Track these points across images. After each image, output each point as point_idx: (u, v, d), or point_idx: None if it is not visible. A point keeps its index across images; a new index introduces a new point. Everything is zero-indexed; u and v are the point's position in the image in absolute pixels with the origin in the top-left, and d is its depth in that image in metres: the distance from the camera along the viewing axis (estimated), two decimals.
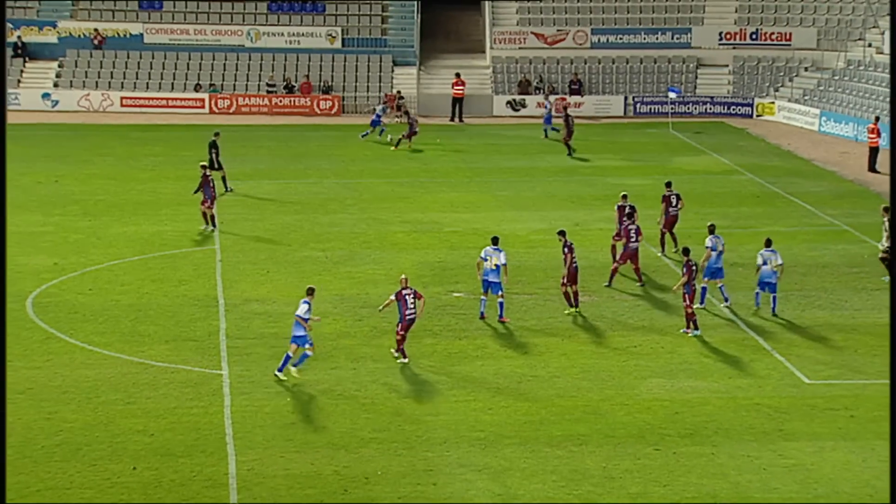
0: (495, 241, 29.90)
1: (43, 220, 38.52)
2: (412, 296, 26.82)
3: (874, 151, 48.42)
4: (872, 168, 48.01)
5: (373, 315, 30.03)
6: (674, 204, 35.64)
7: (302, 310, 25.86)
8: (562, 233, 30.78)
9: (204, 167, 38.61)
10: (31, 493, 20.68)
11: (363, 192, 43.77)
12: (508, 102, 61.74)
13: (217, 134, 44.06)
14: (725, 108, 61.36)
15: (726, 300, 30.66)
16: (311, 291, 26.32)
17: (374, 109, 55.19)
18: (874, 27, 61.60)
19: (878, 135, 48.85)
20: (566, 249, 30.10)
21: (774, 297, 30.22)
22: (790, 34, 63.18)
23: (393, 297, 27.02)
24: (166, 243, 36.63)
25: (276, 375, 25.74)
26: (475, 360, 27.09)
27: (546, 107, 55.82)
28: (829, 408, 24.65)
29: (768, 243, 30.46)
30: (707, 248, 30.77)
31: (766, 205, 42.31)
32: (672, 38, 64.06)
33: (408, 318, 26.79)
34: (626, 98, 62.14)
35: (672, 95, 58.84)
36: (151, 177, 45.91)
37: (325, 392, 25.28)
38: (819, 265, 34.57)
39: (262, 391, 25.26)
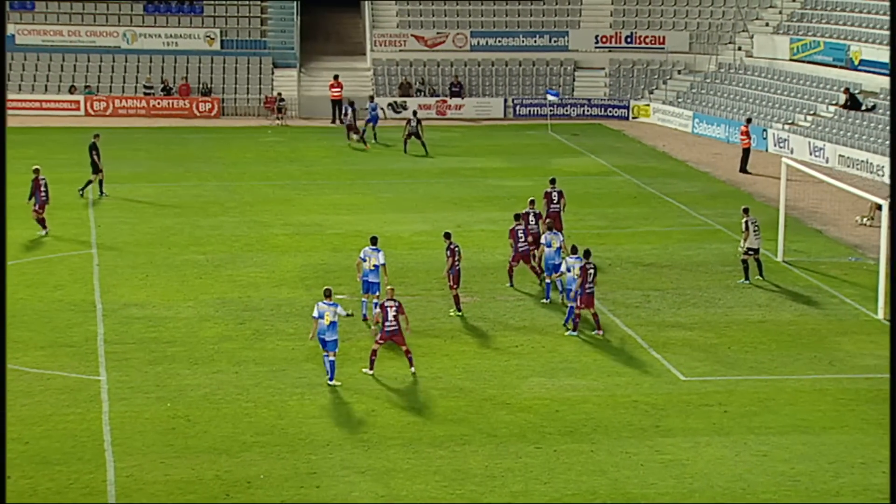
0: (374, 241, 29.81)
1: None
2: (395, 308, 26.22)
3: (746, 153, 49.43)
4: (744, 169, 49.02)
5: (255, 318, 29.83)
6: (555, 201, 35.91)
7: (339, 312, 25.62)
8: (447, 235, 30.84)
9: (36, 171, 37.76)
10: None
11: (244, 195, 43.41)
12: (390, 104, 61.72)
13: (97, 136, 43.33)
14: (602, 110, 62.14)
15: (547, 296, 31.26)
16: (329, 293, 26.06)
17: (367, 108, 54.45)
18: (744, 31, 62.97)
19: (749, 136, 49.90)
20: (449, 252, 30.16)
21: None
22: (664, 38, 64.23)
23: (377, 309, 26.60)
24: (41, 248, 35.91)
25: (330, 384, 25.39)
26: (358, 361, 27.02)
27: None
28: (703, 404, 25.09)
29: (574, 250, 29.69)
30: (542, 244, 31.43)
31: (642, 205, 42.95)
32: (550, 41, 64.70)
33: (387, 329, 26.22)
34: (505, 100, 62.58)
35: (551, 98, 59.43)
36: (25, 180, 44.85)
37: (206, 396, 25.02)
38: (693, 264, 35.19)
39: (141, 397, 24.91)
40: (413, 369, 26.29)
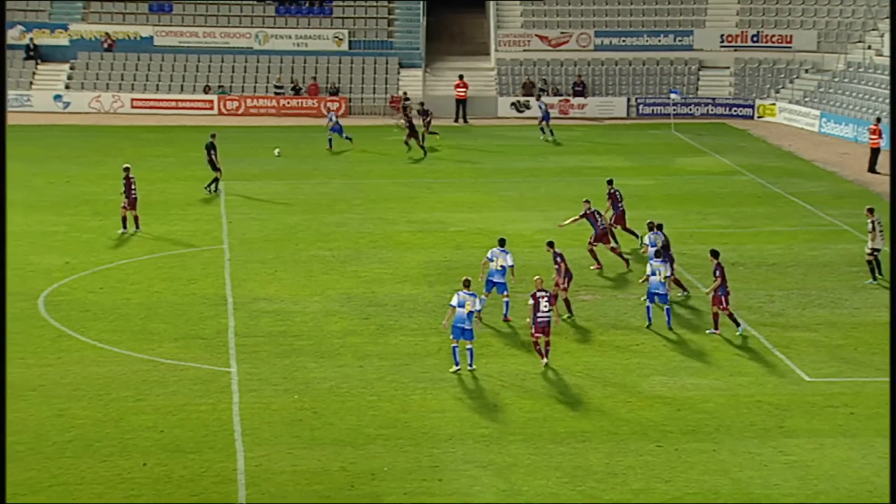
0: (502, 242, 29.86)
1: (55, 219, 38.58)
2: (545, 299, 26.42)
3: (875, 152, 48.36)
4: (872, 169, 47.95)
5: (379, 314, 30.07)
6: (619, 200, 35.59)
7: (477, 304, 25.89)
8: (550, 244, 30.59)
9: (126, 169, 37.93)
10: (43, 489, 20.71)
11: (369, 193, 43.78)
12: (513, 104, 61.73)
13: (213, 135, 43.98)
14: (727, 109, 61.31)
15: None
16: (468, 283, 26.40)
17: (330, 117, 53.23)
18: (874, 30, 61.52)
19: (880, 136, 48.79)
20: (558, 259, 29.88)
21: (668, 310, 29.32)
22: (791, 36, 63.12)
23: (531, 301, 26.64)
24: (176, 243, 36.68)
25: (470, 370, 25.75)
26: (480, 358, 27.07)
27: (541, 107, 55.12)
28: (828, 405, 24.63)
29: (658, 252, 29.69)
30: (645, 244, 30.84)
31: (767, 205, 42.28)
32: (674, 41, 64.04)
33: (539, 322, 26.41)
34: (628, 100, 62.10)
35: (674, 97, 58.83)
36: (161, 177, 45.96)
37: (331, 389, 25.31)
38: (819, 264, 34.53)
39: (269, 388, 25.29)
40: (546, 360, 26.27)
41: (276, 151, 47.43)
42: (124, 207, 37.35)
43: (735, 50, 63.56)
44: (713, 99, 61.74)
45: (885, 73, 57.92)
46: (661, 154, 51.77)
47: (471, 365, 26.01)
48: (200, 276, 33.26)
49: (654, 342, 28.24)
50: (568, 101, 61.82)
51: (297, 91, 62.04)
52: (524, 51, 64.22)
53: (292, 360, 26.87)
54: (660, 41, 64.06)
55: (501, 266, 29.31)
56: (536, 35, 64.45)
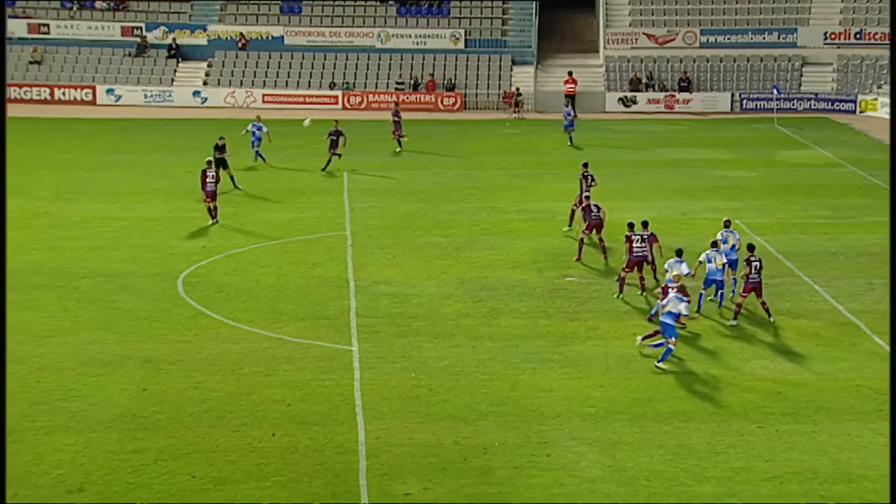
0: (679, 253, 28.32)
1: (192, 206, 39.29)
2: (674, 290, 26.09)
3: None
4: None
5: (491, 297, 30.07)
6: (588, 184, 35.54)
7: (682, 307, 25.47)
8: (633, 225, 30.10)
9: (208, 162, 37.48)
10: (182, 455, 21.14)
11: (482, 183, 43.77)
12: (620, 99, 61.23)
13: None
14: (829, 104, 60.03)
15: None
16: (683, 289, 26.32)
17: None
18: None
19: None
20: (647, 238, 29.57)
21: (721, 294, 28.77)
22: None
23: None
24: (302, 229, 37.10)
25: (657, 367, 25.30)
26: (586, 340, 26.93)
27: (569, 113, 51.65)
28: None
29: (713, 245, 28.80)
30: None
31: (868, 196, 41.28)
32: (778, 38, 62.85)
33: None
34: (732, 95, 61.16)
35: (777, 93, 57.83)
36: (290, 167, 46.52)
37: (446, 368, 25.39)
38: None
39: (388, 366, 25.46)
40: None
41: (306, 121, 46.40)
42: (205, 200, 37.12)
43: (838, 47, 62.16)
44: (816, 94, 60.49)
45: None
46: (763, 147, 50.88)
47: (660, 362, 25.44)
48: (325, 260, 33.60)
49: (754, 327, 27.78)
50: (673, 96, 61.11)
51: (415, 87, 62.28)
52: (632, 48, 63.60)
53: (409, 340, 27.01)
54: (764, 38, 62.92)
55: (721, 265, 28.40)
56: (644, 33, 63.78)
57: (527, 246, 34.85)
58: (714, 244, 28.94)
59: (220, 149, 41.43)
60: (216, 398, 23.67)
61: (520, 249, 34.48)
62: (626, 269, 29.67)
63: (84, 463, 20.79)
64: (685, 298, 25.85)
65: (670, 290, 25.90)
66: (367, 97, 61.65)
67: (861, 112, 59.14)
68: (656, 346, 25.71)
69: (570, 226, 35.23)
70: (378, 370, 25.23)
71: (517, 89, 60.45)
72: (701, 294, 28.74)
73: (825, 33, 62.45)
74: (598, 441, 21.74)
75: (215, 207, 37.30)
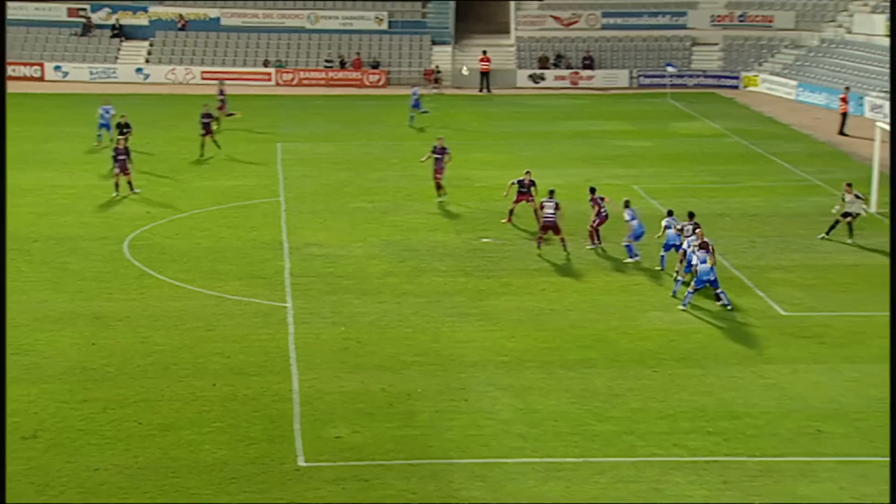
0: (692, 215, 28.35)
1: (136, 176, 38.60)
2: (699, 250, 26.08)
3: (844, 117, 47.75)
4: (842, 132, 47.36)
5: (414, 258, 30.01)
6: (437, 153, 35.28)
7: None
8: (592, 189, 30.76)
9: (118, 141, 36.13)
10: (129, 404, 20.86)
11: (405, 153, 43.56)
12: (530, 76, 61.29)
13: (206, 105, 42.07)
14: (716, 80, 60.64)
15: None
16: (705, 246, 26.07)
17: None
18: (844, 10, 60.62)
19: (847, 103, 48.14)
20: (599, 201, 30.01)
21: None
22: (772, 17, 62.29)
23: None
24: (239, 196, 36.66)
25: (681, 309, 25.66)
26: (501, 295, 27.01)
27: (416, 93, 49.25)
28: (802, 336, 24.45)
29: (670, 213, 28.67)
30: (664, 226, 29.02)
31: (750, 163, 41.84)
32: (671, 20, 63.30)
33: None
34: (630, 72, 61.49)
35: (670, 70, 58.25)
36: (227, 139, 45.89)
37: (373, 323, 25.31)
38: (795, 215, 34.18)
39: (320, 321, 25.32)
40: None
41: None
42: (116, 174, 35.67)
43: (724, 28, 62.76)
44: (704, 71, 61.06)
45: (854, 49, 57.16)
46: (658, 119, 51.27)
47: (728, 305, 25.72)
48: (260, 224, 33.26)
49: (652, 282, 28.07)
50: (578, 73, 61.31)
51: (343, 65, 61.73)
52: (540, 30, 63.61)
53: (339, 297, 26.87)
54: (658, 21, 63.34)
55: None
56: (551, 16, 63.81)
57: (446, 210, 34.79)
58: (670, 212, 28.96)
59: (121, 127, 40.63)
60: (160, 352, 23.36)
61: (439, 214, 34.42)
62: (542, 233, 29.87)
63: (37, 412, 20.43)
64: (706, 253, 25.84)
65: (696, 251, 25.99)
66: (299, 74, 60.94)
67: (744, 87, 59.84)
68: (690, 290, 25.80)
69: (592, 244, 30.91)
70: (310, 325, 25.07)
71: (436, 67, 60.18)
72: (662, 256, 28.76)
73: (712, 16, 63.02)
74: (511, 386, 21.84)
75: (127, 182, 35.90)
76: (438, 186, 35.54)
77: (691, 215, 28.59)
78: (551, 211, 29.70)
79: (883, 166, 35.60)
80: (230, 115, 46.51)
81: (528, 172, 32.84)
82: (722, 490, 17.81)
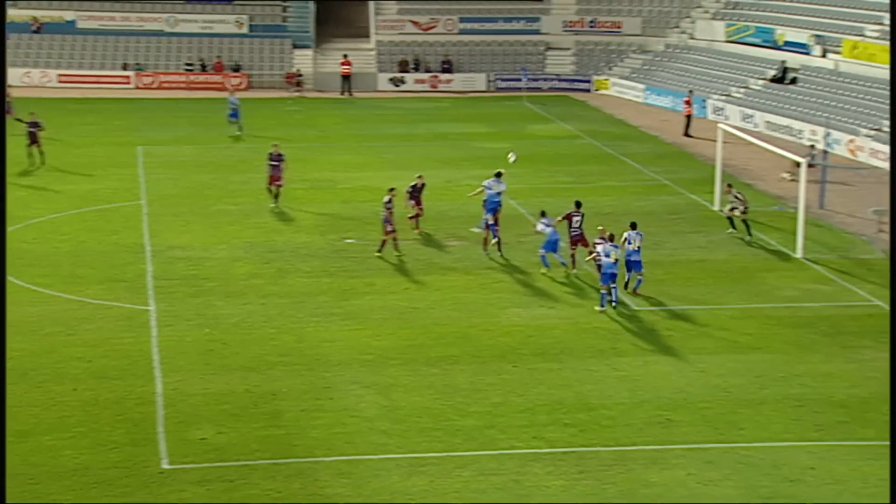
0: (633, 225, 27.85)
1: None
2: (609, 245, 26.15)
3: (688, 119, 49.22)
4: (687, 133, 48.80)
5: (278, 259, 29.71)
6: (273, 160, 34.67)
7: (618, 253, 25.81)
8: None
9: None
10: None
11: (267, 156, 43.00)
12: (390, 79, 61.31)
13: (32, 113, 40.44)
14: (569, 83, 61.70)
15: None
16: (612, 237, 26.12)
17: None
18: (687, 17, 62.47)
19: (691, 106, 49.64)
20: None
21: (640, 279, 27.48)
22: (620, 23, 63.72)
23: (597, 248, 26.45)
24: (100, 199, 35.69)
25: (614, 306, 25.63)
26: (365, 295, 26.97)
27: (234, 104, 47.35)
28: (652, 329, 25.09)
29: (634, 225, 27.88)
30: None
31: (602, 164, 42.73)
32: (525, 26, 64.17)
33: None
34: (488, 76, 62.11)
35: (524, 74, 59.15)
36: (86, 143, 44.63)
37: (237, 324, 24.96)
38: (645, 213, 35.03)
39: (184, 324, 24.84)
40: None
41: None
42: None
43: (575, 34, 63.95)
44: (558, 75, 62.10)
45: (697, 54, 58.99)
46: (515, 122, 51.93)
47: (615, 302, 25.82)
48: (122, 227, 32.44)
49: (511, 280, 28.42)
50: (437, 76, 61.62)
51: (204, 68, 60.67)
52: (399, 34, 63.70)
53: (203, 300, 26.41)
54: (513, 26, 64.14)
55: (637, 247, 27.04)
56: (409, 20, 63.97)
57: (310, 212, 34.56)
58: (543, 213, 28.97)
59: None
60: (19, 357, 22.54)
61: (303, 215, 34.17)
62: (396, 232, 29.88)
63: None
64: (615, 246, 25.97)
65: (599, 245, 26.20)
66: (159, 78, 59.59)
67: (596, 90, 61.09)
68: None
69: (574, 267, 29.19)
70: (174, 327, 24.58)
71: (298, 70, 59.69)
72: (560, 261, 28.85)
73: (564, 22, 64.14)
74: (376, 384, 21.82)
75: None
76: (272, 192, 34.91)
77: (578, 204, 29.00)
78: (578, 224, 28.63)
79: (725, 166, 36.81)
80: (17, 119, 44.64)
81: (419, 176, 32.65)
82: (578, 479, 18.14)
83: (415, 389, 21.60)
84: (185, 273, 28.38)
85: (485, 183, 31.01)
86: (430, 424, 20.08)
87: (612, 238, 26.29)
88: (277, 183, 34.84)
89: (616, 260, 25.95)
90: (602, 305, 25.86)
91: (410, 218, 31.94)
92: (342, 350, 23.58)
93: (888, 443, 18.94)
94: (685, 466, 18.50)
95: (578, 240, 28.78)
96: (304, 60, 61.78)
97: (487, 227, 30.16)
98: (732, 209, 32.05)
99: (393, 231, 29.58)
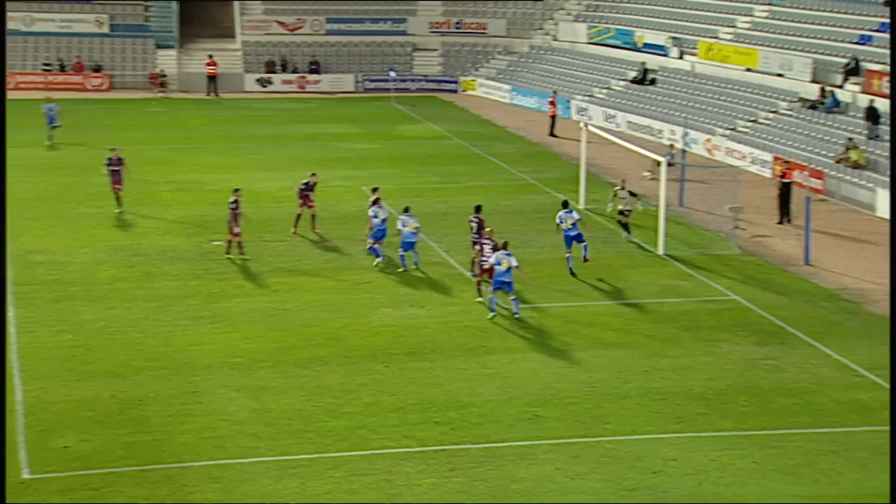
0: (565, 204, 29.17)
1: None
2: (490, 246, 26.04)
3: (553, 119, 50.05)
4: (552, 133, 49.63)
5: (144, 262, 29.09)
6: (113, 165, 33.87)
7: (514, 262, 24.96)
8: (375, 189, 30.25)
9: None
10: None
11: (133, 157, 41.83)
12: (258, 80, 60.70)
13: None
14: (437, 84, 62.12)
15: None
16: (505, 245, 25.51)
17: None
18: (550, 19, 63.57)
19: (556, 106, 50.48)
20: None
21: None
22: (486, 24, 64.45)
23: (476, 246, 26.10)
24: None
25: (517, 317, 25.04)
26: (234, 297, 26.62)
27: (52, 110, 45.30)
28: (521, 326, 25.38)
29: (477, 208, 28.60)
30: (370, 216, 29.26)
31: (471, 164, 43.12)
32: (392, 27, 64.33)
33: (481, 263, 26.28)
34: (356, 77, 62.04)
35: (392, 74, 59.25)
36: None
37: (102, 329, 24.35)
38: (513, 212, 35.51)
39: (45, 330, 24.11)
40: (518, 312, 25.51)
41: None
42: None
43: (442, 35, 64.38)
44: (425, 76, 62.42)
45: (560, 55, 60.06)
46: (383, 122, 52.00)
47: (517, 313, 25.31)
48: None
49: (382, 280, 28.44)
50: (305, 77, 61.24)
51: (63, 68, 58.93)
52: (266, 34, 63.10)
53: (66, 305, 25.69)
54: (380, 27, 64.23)
55: (509, 266, 25.62)
56: (276, 21, 63.41)
57: (176, 214, 33.95)
58: (404, 209, 28.68)
59: None
60: None
61: (170, 218, 33.55)
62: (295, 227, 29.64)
63: None
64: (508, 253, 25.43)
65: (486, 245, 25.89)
66: (15, 78, 57.63)
67: (463, 91, 61.63)
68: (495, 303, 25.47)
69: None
70: (35, 334, 23.83)
71: (161, 70, 58.53)
72: (402, 256, 28.83)
73: (430, 23, 64.52)
74: (246, 387, 21.58)
75: None
76: (117, 198, 34.17)
77: (478, 209, 28.91)
78: (572, 223, 28.59)
79: (589, 165, 37.55)
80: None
81: (313, 174, 32.28)
82: (449, 477, 18.27)
83: (285, 391, 21.43)
84: (45, 278, 27.56)
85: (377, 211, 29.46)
86: (302, 426, 19.94)
87: (505, 246, 25.88)
88: (118, 187, 34.01)
89: (509, 268, 25.30)
90: (493, 310, 25.33)
91: (298, 217, 31.59)
92: (211, 353, 23.23)
93: (746, 433, 19.68)
94: (553, 461, 18.80)
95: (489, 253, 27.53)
96: (167, 61, 60.63)
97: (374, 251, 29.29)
98: (623, 212, 31.70)
99: (237, 234, 29.24)
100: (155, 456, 18.69)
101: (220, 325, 24.92)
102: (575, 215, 29.02)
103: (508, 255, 25.39)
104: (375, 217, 29.24)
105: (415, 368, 22.74)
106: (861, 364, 22.98)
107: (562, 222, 28.90)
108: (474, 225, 28.72)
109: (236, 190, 29.85)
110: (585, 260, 28.79)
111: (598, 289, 28.15)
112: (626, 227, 32.22)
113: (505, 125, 52.02)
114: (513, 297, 25.61)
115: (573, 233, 28.81)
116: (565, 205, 29.22)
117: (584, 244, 28.84)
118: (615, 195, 32.43)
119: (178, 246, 30.66)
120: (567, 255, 28.98)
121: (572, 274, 28.68)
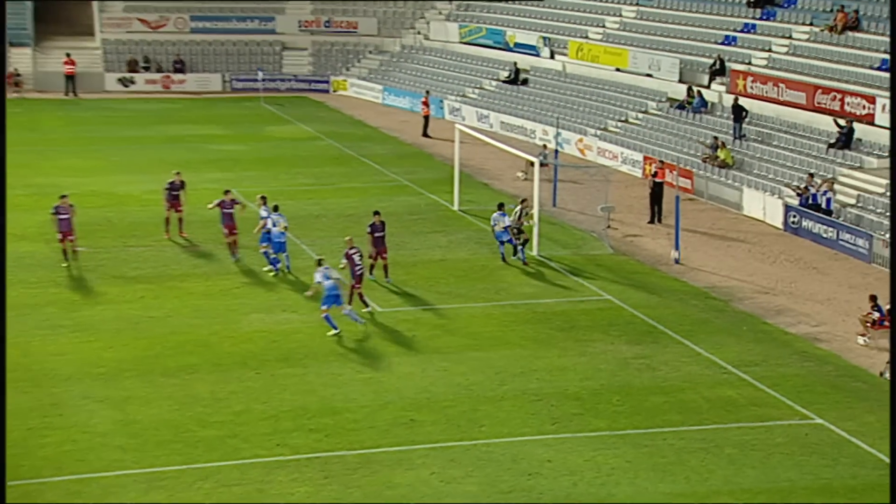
0: (500, 206, 30.68)
1: None
2: (358, 254, 25.98)
3: (426, 120, 50.24)
4: (425, 133, 49.83)
5: None
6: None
7: (334, 274, 24.78)
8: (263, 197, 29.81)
9: None
10: None
11: None
12: (119, 79, 59.31)
13: None
14: (307, 84, 61.72)
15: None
16: (321, 262, 25.04)
17: None
18: (422, 18, 63.84)
19: (429, 106, 50.70)
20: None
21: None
22: (357, 23, 64.31)
23: (344, 259, 25.63)
24: None
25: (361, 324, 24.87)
26: (96, 305, 25.97)
27: None
28: (395, 330, 25.45)
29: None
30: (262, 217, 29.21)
31: (343, 165, 42.99)
32: (260, 25, 63.65)
33: (358, 273, 25.86)
34: (223, 76, 61.20)
35: (260, 74, 58.70)
36: None
37: None
38: (386, 214, 35.02)
39: None
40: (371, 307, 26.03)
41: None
42: None
43: (311, 34, 64.02)
44: (295, 75, 61.96)
45: (432, 55, 60.35)
46: (252, 123, 51.44)
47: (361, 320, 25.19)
48: None
49: (252, 284, 28.12)
50: (169, 77, 60.11)
51: None
52: (127, 32, 61.72)
53: None
54: (247, 25, 63.48)
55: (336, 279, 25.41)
56: (137, 18, 62.10)
57: (34, 219, 32.93)
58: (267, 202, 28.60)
59: None
60: None
61: (27, 223, 32.52)
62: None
63: None
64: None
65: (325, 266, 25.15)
66: None
67: (334, 91, 61.38)
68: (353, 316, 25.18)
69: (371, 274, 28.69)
70: None
71: (16, 70, 56.71)
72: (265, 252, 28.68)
73: (300, 21, 64.08)
74: (109, 398, 21.08)
75: None
76: None
77: (376, 213, 28.86)
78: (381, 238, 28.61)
79: (463, 165, 37.83)
80: None
81: (177, 173, 31.60)
82: (323, 485, 18.18)
83: (152, 401, 21.01)
84: None
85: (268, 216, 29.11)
86: (169, 437, 19.58)
87: (320, 263, 25.25)
88: None
89: (336, 280, 25.02)
90: (335, 328, 24.73)
91: (167, 221, 31.04)
92: (72, 364, 22.63)
93: (619, 432, 20.10)
94: (429, 466, 18.88)
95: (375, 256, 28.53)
96: (22, 59, 58.79)
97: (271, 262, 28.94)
98: (519, 232, 30.54)
99: (65, 239, 28.63)
100: (12, 472, 18.04)
101: (81, 333, 24.29)
102: (507, 220, 30.31)
103: (327, 268, 25.03)
104: (276, 226, 28.59)
105: (288, 375, 22.57)
106: (729, 361, 23.73)
107: (495, 224, 30.30)
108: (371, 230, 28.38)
109: (62, 196, 29.01)
110: (525, 263, 30.07)
111: (473, 290, 28.37)
112: (520, 246, 30.65)
113: (378, 126, 52.01)
114: (345, 311, 25.14)
115: (505, 237, 30.25)
116: (500, 207, 30.68)
117: (520, 248, 30.27)
118: (526, 213, 30.79)
119: (37, 252, 29.78)
120: (500, 249, 30.35)
121: (503, 260, 30.23)
